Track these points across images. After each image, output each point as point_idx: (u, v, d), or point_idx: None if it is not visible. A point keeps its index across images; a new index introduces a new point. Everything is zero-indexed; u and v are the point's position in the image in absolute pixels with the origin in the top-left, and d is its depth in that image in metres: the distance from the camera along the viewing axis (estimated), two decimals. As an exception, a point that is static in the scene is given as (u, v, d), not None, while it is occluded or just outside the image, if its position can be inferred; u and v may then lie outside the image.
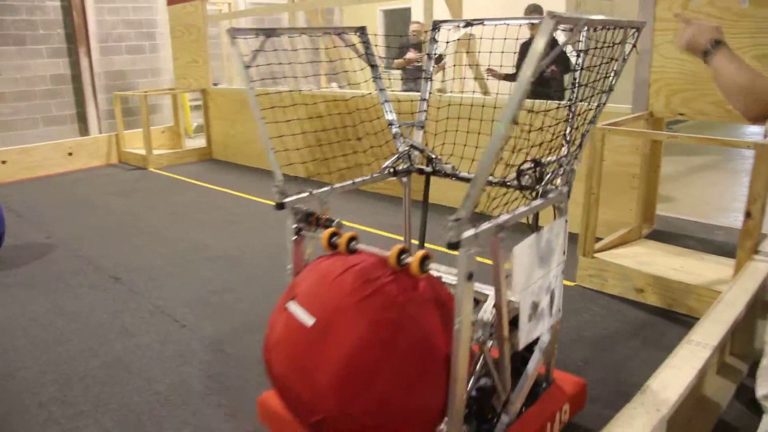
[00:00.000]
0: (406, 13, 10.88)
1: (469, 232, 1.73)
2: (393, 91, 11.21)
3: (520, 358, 2.31)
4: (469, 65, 6.93)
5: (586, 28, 1.96)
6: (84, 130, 9.59)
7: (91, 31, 9.38)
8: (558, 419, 2.43)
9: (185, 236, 5.23)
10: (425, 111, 2.76)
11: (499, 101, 2.10)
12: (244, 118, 8.17)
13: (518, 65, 6.27)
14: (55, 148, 8.24)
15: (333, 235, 2.16)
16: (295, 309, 1.98)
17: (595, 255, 3.94)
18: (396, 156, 2.67)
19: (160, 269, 4.45)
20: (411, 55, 7.44)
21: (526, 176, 2.19)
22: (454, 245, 1.69)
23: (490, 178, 2.12)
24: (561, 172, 2.20)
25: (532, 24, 4.27)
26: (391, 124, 2.75)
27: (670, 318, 3.53)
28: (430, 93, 2.81)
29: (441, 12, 6.79)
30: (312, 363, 1.90)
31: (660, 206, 5.00)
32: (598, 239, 4.11)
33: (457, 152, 2.61)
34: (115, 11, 9.74)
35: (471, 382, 2.10)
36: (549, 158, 2.20)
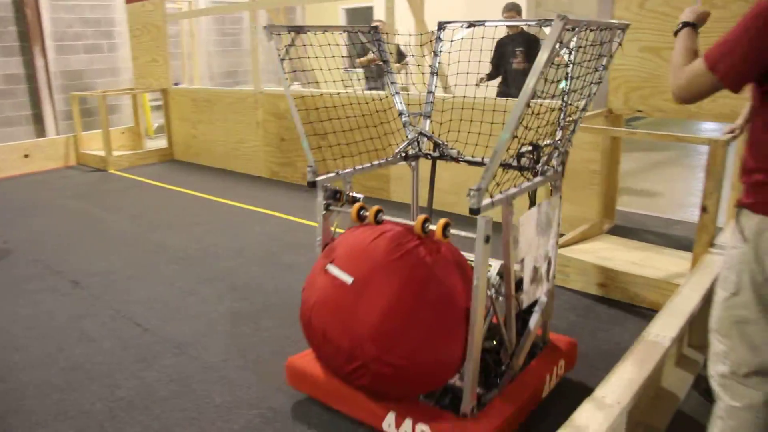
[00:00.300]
0: (368, 11, 10.88)
1: (487, 201, 2.03)
2: (357, 90, 11.19)
3: (521, 321, 2.54)
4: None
5: (584, 28, 2.21)
6: (40, 131, 9.35)
7: (45, 29, 9.14)
8: (555, 373, 2.72)
9: (146, 238, 5.15)
10: (432, 102, 2.99)
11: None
12: (206, 118, 8.08)
13: (495, 62, 6.33)
14: (11, 150, 8.03)
15: (361, 208, 2.49)
16: (335, 270, 2.30)
17: (558, 251, 3.98)
18: (406, 142, 2.95)
19: (120, 272, 4.38)
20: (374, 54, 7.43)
21: (525, 158, 2.47)
22: (475, 211, 1.98)
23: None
24: (556, 154, 2.50)
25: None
26: (401, 113, 3.02)
27: (631, 311, 3.60)
28: (431, 92, 3.02)
29: (403, 11, 6.81)
30: (352, 316, 2.21)
31: (620, 202, 5.09)
32: (560, 235, 4.16)
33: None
34: (71, 9, 9.52)
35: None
36: (546, 142, 2.50)
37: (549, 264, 2.63)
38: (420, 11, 6.93)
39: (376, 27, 3.01)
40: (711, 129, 9.39)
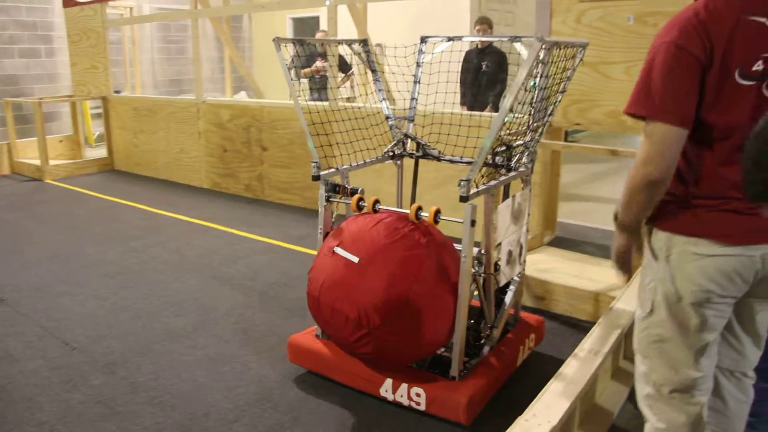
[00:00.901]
0: (314, 21, 10.83)
1: (474, 190, 2.44)
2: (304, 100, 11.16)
3: (498, 300, 2.96)
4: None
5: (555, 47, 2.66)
6: (-28, 138, 8.99)
7: (-22, 32, 8.81)
8: (527, 345, 3.13)
9: (82, 252, 4.97)
10: (414, 108, 3.35)
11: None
12: (147, 128, 7.89)
13: (462, 73, 6.35)
14: (-61, 159, 7.69)
15: (360, 199, 2.84)
16: (342, 252, 2.63)
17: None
18: (393, 143, 3.29)
19: (51, 288, 4.20)
20: (319, 64, 7.38)
21: (499, 156, 2.81)
22: (464, 198, 2.36)
23: (470, 158, 2.96)
24: (526, 153, 2.90)
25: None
26: (388, 117, 3.36)
27: (570, 324, 3.62)
28: (414, 99, 3.38)
29: (347, 22, 6.78)
30: (358, 290, 2.53)
31: (561, 213, 5.16)
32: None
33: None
34: (5, 10, 9.16)
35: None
36: (517, 142, 2.87)
37: (521, 249, 3.06)
38: (363, 23, 6.92)
39: (365, 40, 3.36)
40: (650, 141, 9.63)
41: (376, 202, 2.81)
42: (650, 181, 1.63)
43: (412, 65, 3.33)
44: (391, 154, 3.29)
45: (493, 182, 2.68)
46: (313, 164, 2.90)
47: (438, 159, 3.18)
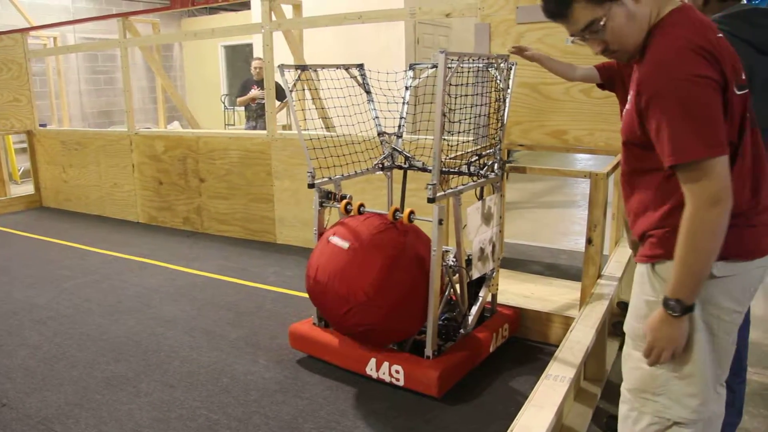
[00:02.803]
0: (247, 49, 10.70)
1: (441, 194, 2.83)
2: (237, 128, 10.95)
3: (473, 293, 3.36)
4: (314, 105, 6.89)
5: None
6: None
7: None
8: (501, 334, 3.48)
9: (9, 297, 4.66)
10: (403, 126, 3.73)
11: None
12: (77, 162, 7.57)
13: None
14: None
15: (347, 204, 3.33)
16: (335, 240, 3.09)
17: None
18: (383, 156, 3.67)
19: (-24, 338, 3.91)
20: (255, 92, 7.26)
21: (473, 165, 3.19)
22: (431, 199, 2.74)
23: (450, 168, 3.32)
24: (496, 161, 3.31)
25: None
26: (380, 133, 3.70)
27: (522, 346, 3.59)
28: (403, 118, 3.75)
29: (283, 49, 6.70)
30: (348, 271, 2.97)
31: (506, 233, 5.17)
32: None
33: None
34: None
35: (441, 304, 3.19)
36: (487, 152, 3.34)
37: (494, 247, 3.37)
38: (299, 50, 6.86)
39: (362, 65, 3.68)
40: (584, 158, 9.87)
41: (361, 205, 3.32)
42: (727, 217, 1.54)
43: (347, 88, 3.58)
44: (380, 165, 3.67)
45: (460, 187, 3.05)
46: (308, 174, 3.30)
47: (424, 170, 3.56)
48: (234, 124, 11.15)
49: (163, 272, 5.16)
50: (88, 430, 2.86)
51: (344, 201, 3.33)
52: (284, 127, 7.83)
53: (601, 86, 2.93)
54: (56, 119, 10.13)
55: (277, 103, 7.29)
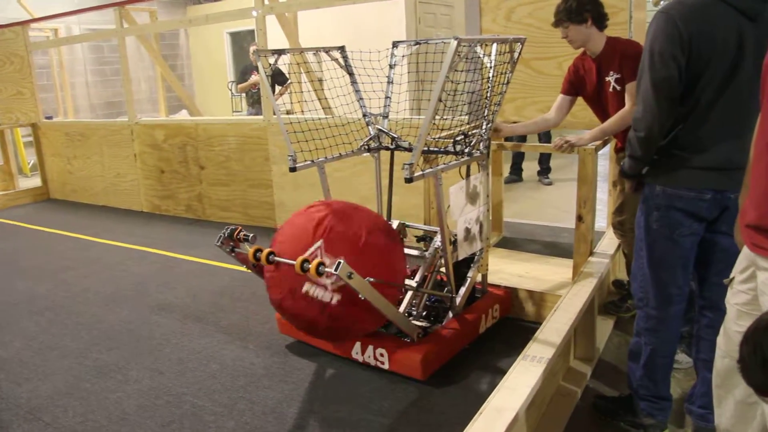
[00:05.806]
0: (252, 35, 10.63)
1: (418, 173, 2.70)
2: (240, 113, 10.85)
3: (461, 274, 3.29)
4: (312, 87, 6.84)
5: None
6: None
7: None
8: (491, 314, 3.42)
9: (9, 287, 4.70)
10: (389, 106, 3.60)
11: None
12: (81, 153, 7.59)
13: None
14: None
15: (257, 251, 2.96)
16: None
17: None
18: (369, 137, 3.56)
19: (-26, 330, 3.94)
20: (255, 78, 7.21)
21: (459, 145, 3.09)
22: (409, 180, 2.59)
23: (435, 147, 3.29)
24: (482, 140, 3.15)
25: None
26: (365, 114, 3.62)
27: (514, 326, 3.53)
28: (388, 98, 3.61)
29: (279, 35, 6.65)
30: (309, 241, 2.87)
31: (508, 213, 5.09)
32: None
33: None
34: None
35: (430, 285, 3.26)
36: (474, 131, 3.15)
37: (481, 227, 3.27)
38: (294, 35, 6.80)
39: (343, 47, 3.54)
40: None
41: (271, 253, 2.89)
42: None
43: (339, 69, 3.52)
44: (367, 147, 3.56)
45: (441, 166, 2.93)
46: (289, 158, 3.15)
47: (409, 150, 3.37)
48: (241, 111, 11.09)
49: (161, 260, 5.17)
50: (75, 419, 2.87)
51: (253, 248, 2.94)
52: (288, 113, 7.78)
53: (576, 95, 3.42)
54: (62, 111, 10.16)
55: (278, 88, 7.26)
